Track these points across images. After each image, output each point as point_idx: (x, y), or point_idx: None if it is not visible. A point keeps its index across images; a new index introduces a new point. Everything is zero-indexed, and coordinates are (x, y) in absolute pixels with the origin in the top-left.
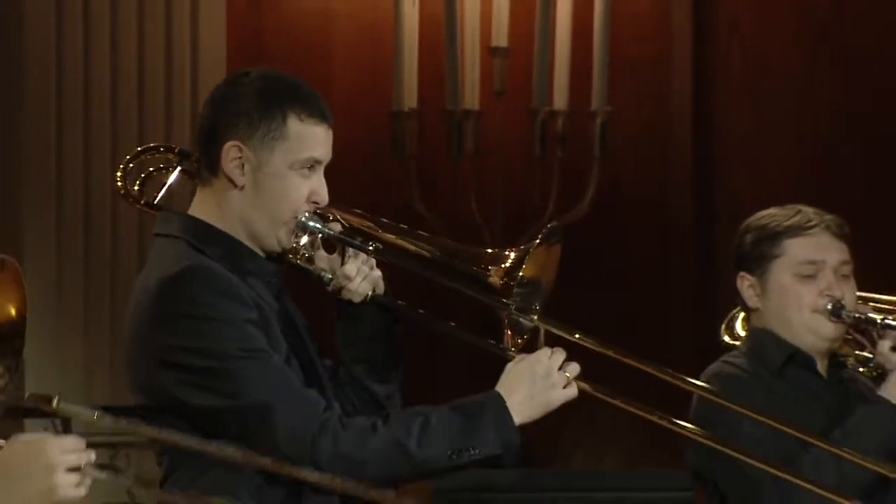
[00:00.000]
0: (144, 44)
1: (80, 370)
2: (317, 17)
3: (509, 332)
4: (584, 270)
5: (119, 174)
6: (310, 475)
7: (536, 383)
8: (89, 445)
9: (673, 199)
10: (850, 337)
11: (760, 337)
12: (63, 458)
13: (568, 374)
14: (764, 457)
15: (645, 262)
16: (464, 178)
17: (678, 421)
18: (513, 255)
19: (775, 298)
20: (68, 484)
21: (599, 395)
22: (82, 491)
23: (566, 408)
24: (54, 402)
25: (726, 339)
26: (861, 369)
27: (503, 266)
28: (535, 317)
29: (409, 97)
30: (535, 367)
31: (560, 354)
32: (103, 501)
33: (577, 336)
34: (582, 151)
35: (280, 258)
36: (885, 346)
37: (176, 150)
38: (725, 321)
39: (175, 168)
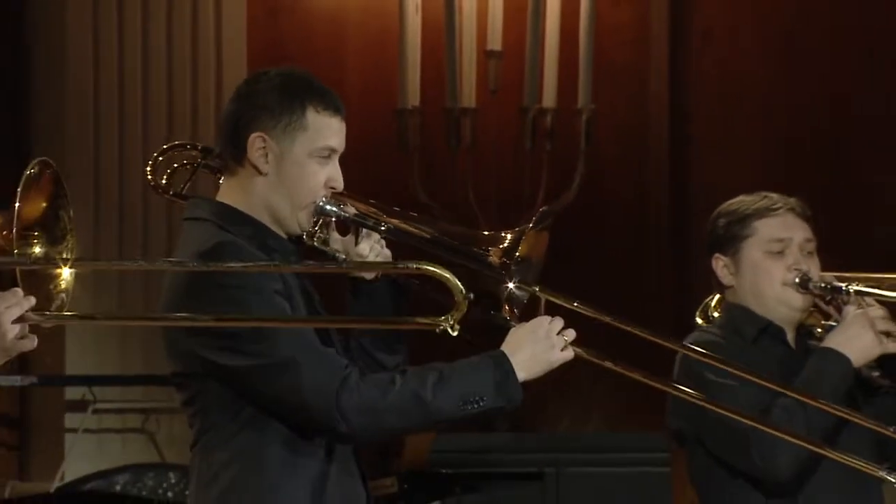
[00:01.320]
0: (172, 47)
1: (115, 345)
2: (329, 24)
3: (507, 307)
4: (569, 254)
5: (149, 168)
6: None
7: (538, 344)
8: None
9: (651, 189)
10: (815, 309)
11: (735, 312)
12: (7, 311)
13: (566, 338)
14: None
15: (625, 247)
16: (461, 168)
17: (669, 382)
18: (509, 236)
19: (748, 275)
20: (14, 332)
21: (594, 360)
22: (31, 344)
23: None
24: None
25: (699, 321)
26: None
27: (501, 247)
28: (537, 288)
29: (413, 96)
30: (537, 330)
31: (559, 321)
32: (136, 461)
33: (575, 304)
34: (568, 145)
35: (298, 240)
36: (851, 310)
37: (199, 147)
38: (700, 307)
39: (198, 162)
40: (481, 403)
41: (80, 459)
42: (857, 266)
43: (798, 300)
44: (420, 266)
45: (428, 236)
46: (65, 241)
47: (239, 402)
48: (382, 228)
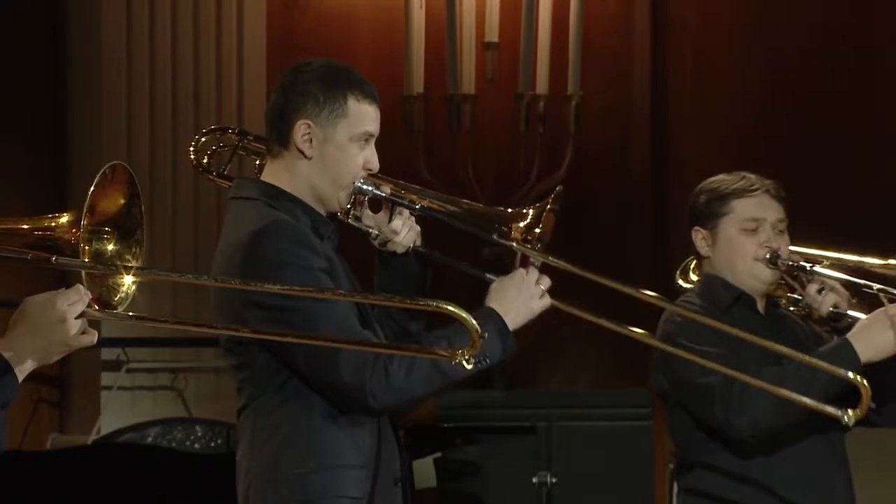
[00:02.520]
0: (199, 39)
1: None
2: (341, 18)
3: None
4: (560, 226)
5: (192, 150)
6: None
7: (520, 296)
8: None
9: (634, 167)
10: (783, 282)
11: (711, 281)
12: (70, 308)
13: (542, 287)
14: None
15: (611, 220)
16: (461, 149)
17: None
18: (531, 214)
19: (724, 248)
20: (78, 330)
21: (570, 308)
22: (91, 339)
23: (545, 339)
24: None
25: (680, 282)
26: (791, 308)
27: (522, 224)
28: (549, 257)
29: (417, 84)
30: (518, 281)
31: (534, 272)
32: (166, 416)
33: (579, 269)
34: (559, 128)
35: (333, 216)
36: (812, 288)
37: (237, 131)
38: (680, 268)
39: (238, 144)
40: (487, 360)
41: (114, 414)
42: (817, 234)
43: (767, 274)
44: (440, 305)
45: (456, 214)
46: (134, 238)
47: (285, 372)
48: (416, 207)
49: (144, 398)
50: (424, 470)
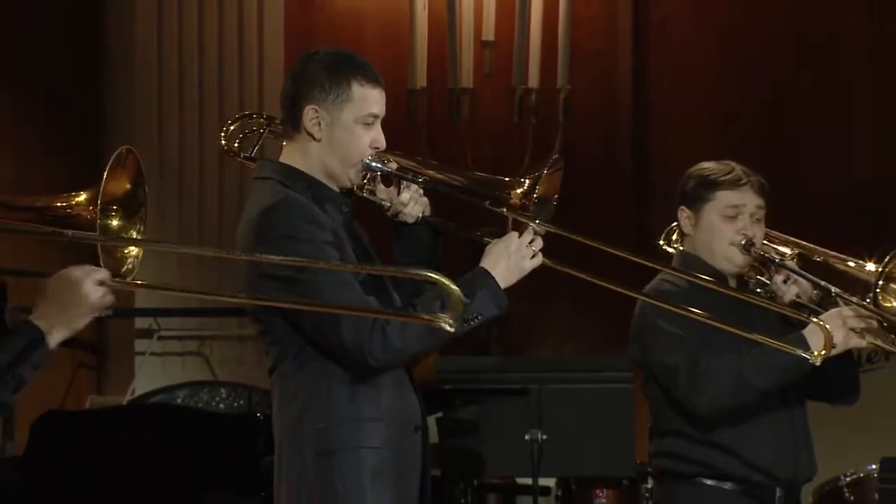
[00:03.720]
0: (223, 34)
1: (176, 282)
2: (351, 18)
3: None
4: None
5: (223, 135)
6: None
7: (511, 256)
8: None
9: (618, 154)
10: (755, 265)
11: (689, 259)
12: (90, 280)
13: (534, 248)
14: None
15: (597, 200)
16: (461, 138)
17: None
18: (527, 181)
19: (704, 230)
20: (98, 296)
21: (558, 267)
22: (110, 300)
23: (538, 308)
24: None
25: (662, 244)
26: (759, 290)
27: (520, 190)
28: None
29: (421, 78)
30: (510, 244)
31: (528, 233)
32: (192, 379)
33: (580, 237)
34: (549, 119)
35: (350, 191)
36: (778, 279)
37: (264, 116)
38: (664, 234)
39: (264, 129)
40: (480, 316)
41: (147, 378)
42: (782, 222)
43: (740, 259)
44: (423, 273)
45: (459, 184)
46: (139, 214)
47: (301, 338)
48: (420, 180)
49: (174, 363)
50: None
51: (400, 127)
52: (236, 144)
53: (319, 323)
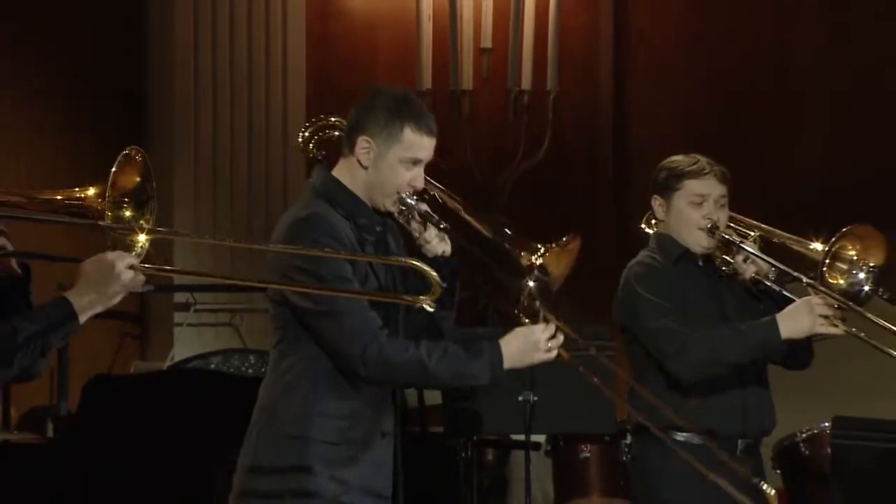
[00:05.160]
0: (252, 40)
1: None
2: (365, 28)
3: (524, 304)
4: (543, 192)
5: (300, 136)
6: None
7: (528, 346)
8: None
9: (600, 147)
10: (719, 246)
11: (663, 239)
12: (121, 264)
13: (551, 345)
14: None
15: (582, 189)
16: (462, 134)
17: None
18: (541, 248)
19: (674, 216)
20: (130, 276)
21: (571, 362)
22: (141, 278)
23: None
24: None
25: (643, 226)
26: (723, 268)
27: (532, 254)
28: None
29: (426, 81)
30: (531, 335)
31: (551, 329)
32: (224, 347)
33: (576, 336)
34: (540, 117)
35: (389, 213)
36: (739, 258)
37: (338, 122)
38: (644, 218)
39: (336, 136)
40: (469, 379)
41: (184, 346)
42: (743, 208)
43: (705, 241)
44: (410, 261)
45: (478, 230)
46: (148, 207)
47: (301, 332)
48: (442, 227)
49: (208, 333)
50: (433, 392)
51: None
52: (311, 145)
53: (325, 325)
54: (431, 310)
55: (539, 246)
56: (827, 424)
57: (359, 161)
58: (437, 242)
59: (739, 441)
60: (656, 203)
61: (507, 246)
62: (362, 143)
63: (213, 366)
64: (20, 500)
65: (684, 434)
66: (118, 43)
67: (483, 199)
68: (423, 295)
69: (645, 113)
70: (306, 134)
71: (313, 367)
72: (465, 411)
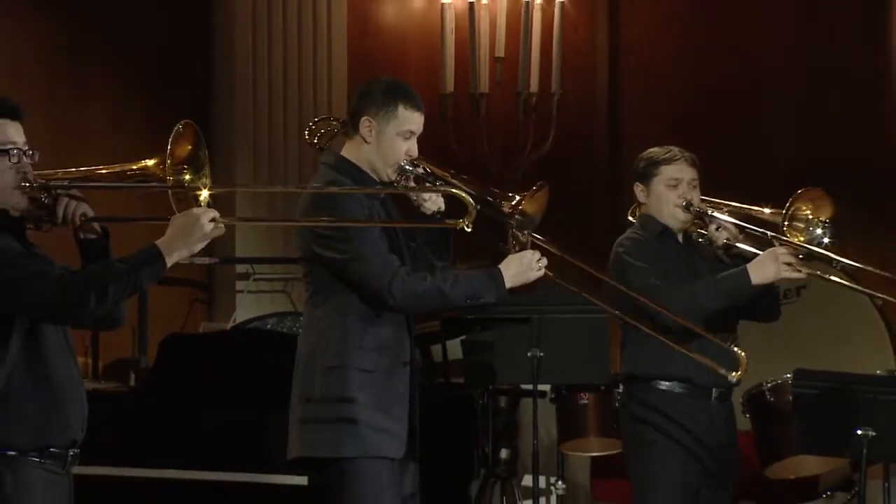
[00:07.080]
0: (302, 49)
1: (266, 239)
2: (398, 40)
3: (512, 241)
4: (549, 182)
5: (307, 132)
6: None
7: (523, 267)
8: (271, 279)
9: (597, 143)
10: (695, 222)
11: (646, 218)
12: (204, 216)
13: (541, 265)
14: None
15: (581, 179)
16: (479, 131)
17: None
18: (517, 197)
19: (654, 198)
20: (211, 227)
21: (555, 279)
22: (220, 229)
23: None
24: None
25: (630, 218)
26: (700, 240)
27: (512, 202)
28: (527, 241)
29: (449, 85)
30: (524, 258)
31: (537, 254)
32: (279, 310)
33: (563, 252)
34: (546, 116)
35: (388, 184)
36: (712, 228)
37: (340, 120)
38: (630, 210)
39: (336, 129)
40: (481, 299)
41: (245, 309)
42: (723, 192)
43: (682, 216)
44: (448, 189)
45: (466, 189)
46: (203, 172)
47: (331, 283)
48: (437, 185)
49: (265, 299)
50: (454, 347)
51: (433, 123)
52: (315, 140)
53: (353, 269)
54: (469, 230)
55: (516, 195)
56: (789, 376)
57: (363, 138)
58: (433, 201)
59: (713, 389)
60: (638, 189)
61: (490, 199)
62: (365, 122)
63: (269, 326)
64: (107, 442)
65: (666, 383)
66: (188, 36)
67: (497, 186)
68: (460, 219)
69: (636, 114)
70: (312, 128)
71: (344, 309)
72: (483, 365)
